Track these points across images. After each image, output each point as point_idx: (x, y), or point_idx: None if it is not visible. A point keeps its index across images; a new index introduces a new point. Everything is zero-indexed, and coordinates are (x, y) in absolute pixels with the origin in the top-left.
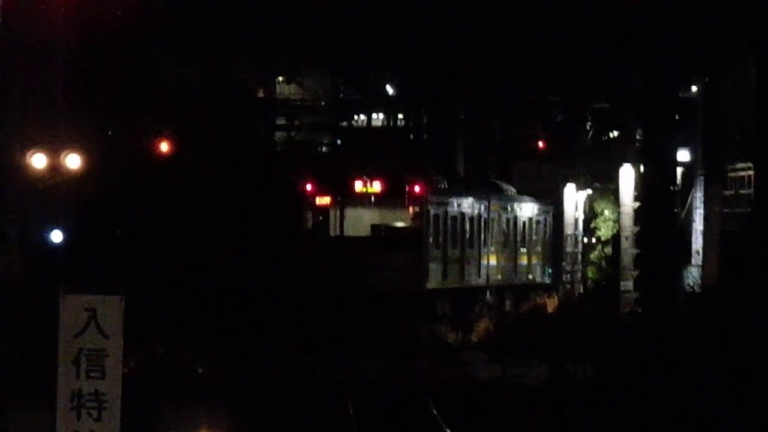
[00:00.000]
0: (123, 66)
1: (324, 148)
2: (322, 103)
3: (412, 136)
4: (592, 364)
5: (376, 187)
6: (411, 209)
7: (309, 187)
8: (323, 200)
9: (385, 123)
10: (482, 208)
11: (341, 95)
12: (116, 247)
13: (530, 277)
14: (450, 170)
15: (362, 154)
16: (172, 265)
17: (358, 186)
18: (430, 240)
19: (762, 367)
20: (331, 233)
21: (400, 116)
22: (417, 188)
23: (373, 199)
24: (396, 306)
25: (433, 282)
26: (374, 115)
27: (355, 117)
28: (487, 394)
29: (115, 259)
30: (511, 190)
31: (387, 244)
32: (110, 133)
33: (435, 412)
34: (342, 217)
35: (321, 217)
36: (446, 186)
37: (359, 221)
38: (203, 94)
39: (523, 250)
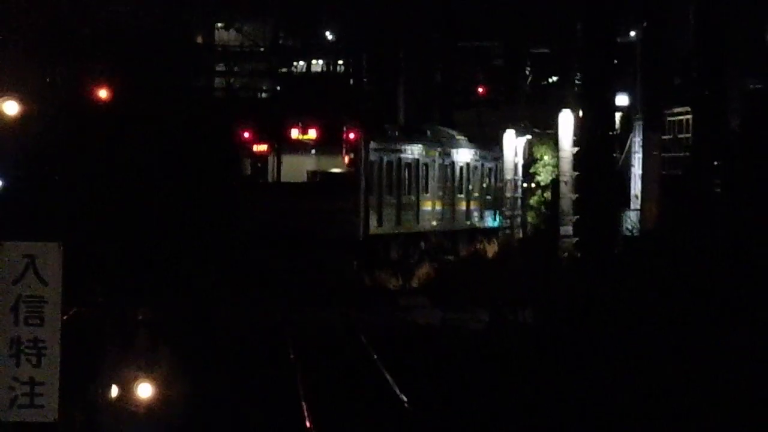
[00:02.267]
0: (61, 10)
1: (263, 95)
2: (262, 49)
3: (352, 82)
4: (531, 309)
5: (312, 134)
6: (347, 156)
7: (246, 134)
8: (261, 147)
9: (325, 69)
10: (420, 152)
11: (281, 41)
12: (55, 193)
13: (470, 222)
14: (391, 117)
15: (301, 101)
16: (111, 211)
17: (294, 133)
18: (365, 186)
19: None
20: (270, 180)
21: (341, 62)
22: (352, 135)
23: (312, 146)
24: (333, 252)
25: (371, 228)
26: (314, 62)
27: (295, 63)
28: (427, 340)
29: (54, 206)
30: (452, 134)
31: (322, 190)
32: (48, 79)
33: (375, 356)
34: (279, 163)
35: (260, 164)
36: (384, 131)
37: (297, 168)
38: (142, 39)
39: (461, 195)
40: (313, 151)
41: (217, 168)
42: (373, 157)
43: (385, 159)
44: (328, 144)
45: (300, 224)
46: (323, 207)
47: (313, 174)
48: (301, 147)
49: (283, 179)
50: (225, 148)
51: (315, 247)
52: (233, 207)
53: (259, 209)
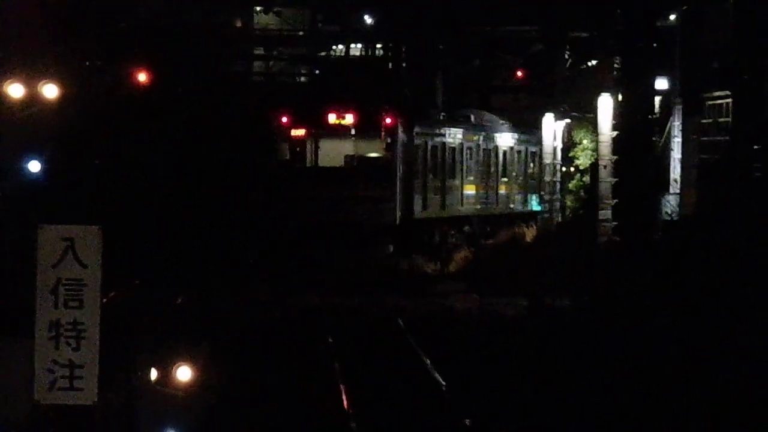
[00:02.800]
0: None
1: (302, 79)
2: (300, 33)
3: (390, 67)
4: (570, 294)
5: (350, 119)
6: (384, 140)
7: (284, 119)
8: (298, 132)
9: (364, 54)
10: (458, 137)
11: (319, 25)
12: (95, 177)
13: (510, 206)
14: (430, 101)
15: (339, 86)
16: (151, 196)
17: (332, 118)
18: (403, 171)
19: (736, 294)
20: (308, 164)
21: (379, 47)
22: (389, 119)
23: (350, 130)
24: (369, 237)
25: (415, 212)
26: (352, 46)
27: (334, 48)
28: (464, 326)
29: (94, 190)
30: (492, 119)
31: (358, 175)
32: (88, 63)
33: (412, 342)
34: (317, 148)
35: (299, 149)
36: (426, 115)
37: (335, 153)
38: (181, 24)
39: (501, 179)
40: (352, 136)
41: (255, 153)
42: (416, 140)
43: (429, 143)
44: (366, 129)
45: (336, 209)
46: (359, 192)
47: (350, 159)
48: (339, 131)
49: (321, 164)
50: (263, 132)
51: (351, 231)
52: (270, 192)
53: (295, 194)
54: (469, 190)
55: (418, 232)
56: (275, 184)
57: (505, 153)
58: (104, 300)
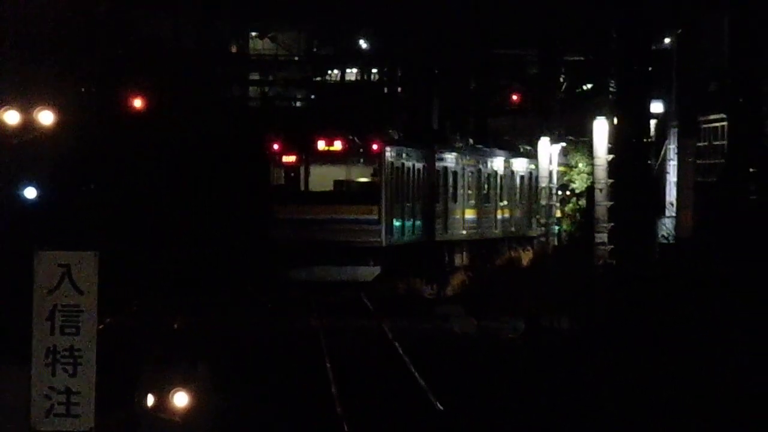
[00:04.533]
0: (96, 22)
1: (298, 104)
2: (296, 58)
3: (386, 91)
4: (567, 317)
5: (338, 145)
6: (371, 166)
7: (276, 146)
8: (289, 158)
9: (359, 78)
10: (453, 160)
11: (315, 50)
12: (91, 203)
13: (505, 230)
14: (425, 125)
15: (333, 112)
16: (146, 220)
17: (321, 145)
18: (390, 195)
19: (733, 315)
20: (300, 189)
21: (375, 71)
22: (375, 146)
23: (340, 156)
24: (357, 260)
25: (395, 237)
26: (348, 70)
27: (329, 72)
28: (462, 348)
29: (89, 216)
30: (486, 142)
31: (348, 199)
32: (84, 89)
33: (409, 363)
34: (307, 173)
35: (293, 174)
36: (411, 140)
37: (326, 178)
38: (177, 50)
39: (495, 203)
40: (343, 162)
41: (248, 178)
42: (398, 164)
43: (415, 167)
44: (355, 155)
45: (325, 232)
46: (349, 215)
47: (338, 183)
48: (328, 157)
49: (313, 188)
50: (256, 158)
51: (340, 254)
52: (263, 216)
53: (287, 217)
54: (467, 214)
55: (408, 256)
56: (268, 208)
57: (497, 177)
58: (101, 326)
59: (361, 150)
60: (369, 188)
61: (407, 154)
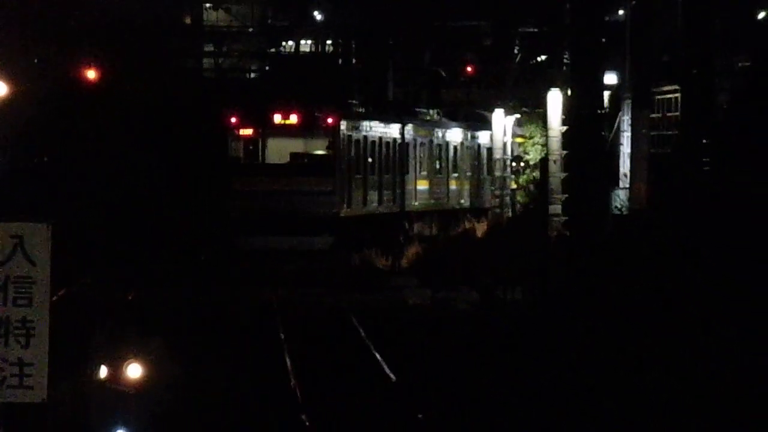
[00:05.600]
0: None
1: (252, 75)
2: (250, 29)
3: (340, 62)
4: (521, 288)
5: (293, 119)
6: (326, 138)
7: (233, 119)
8: (246, 131)
9: (314, 49)
10: (407, 132)
11: (269, 21)
12: (44, 174)
13: (460, 201)
14: (379, 97)
15: (288, 83)
16: (100, 192)
17: (277, 118)
18: (346, 167)
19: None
20: (257, 161)
21: (329, 42)
22: (330, 119)
23: (297, 129)
24: (314, 228)
25: (352, 208)
26: (303, 42)
27: (284, 43)
28: (416, 319)
29: (42, 187)
30: (440, 116)
31: (304, 171)
32: (36, 60)
33: (363, 334)
34: (264, 146)
35: (251, 147)
36: (369, 112)
37: (284, 150)
38: (130, 22)
39: (451, 175)
40: (299, 134)
41: (205, 150)
42: (353, 136)
43: (368, 138)
44: (311, 127)
45: (282, 204)
46: (303, 187)
47: (294, 156)
48: (285, 130)
49: (270, 161)
50: (213, 131)
51: (295, 223)
52: (220, 189)
53: (243, 189)
54: (420, 185)
55: (363, 227)
56: (225, 180)
57: (452, 148)
58: (54, 297)
59: (317, 123)
60: (324, 160)
61: (363, 127)
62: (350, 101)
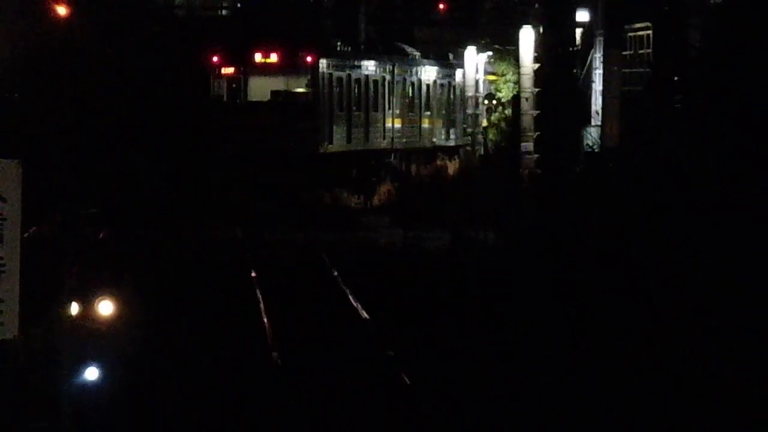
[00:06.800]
0: None
1: (224, 12)
2: None
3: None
4: (492, 228)
5: (274, 58)
6: (306, 77)
7: (215, 59)
8: (228, 70)
9: None
10: (381, 71)
11: None
12: (15, 112)
13: (433, 140)
14: (352, 35)
15: (263, 21)
16: (73, 132)
17: (258, 57)
18: (324, 104)
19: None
20: (238, 100)
21: None
22: (309, 58)
23: (277, 68)
24: (294, 168)
25: (330, 145)
26: None
27: None
28: (388, 259)
29: (14, 125)
30: (414, 53)
31: (284, 108)
32: None
33: (336, 274)
34: (246, 85)
35: (234, 85)
36: (344, 50)
37: (265, 89)
38: None
39: (423, 113)
40: (279, 73)
41: (185, 88)
42: (331, 74)
43: (346, 76)
44: (291, 66)
45: (262, 138)
46: (284, 124)
47: (275, 94)
48: (267, 69)
49: (252, 99)
50: (194, 69)
51: (276, 159)
52: (202, 126)
53: (226, 125)
54: (392, 123)
55: (336, 166)
56: (209, 118)
57: (424, 86)
58: (25, 235)
59: (298, 62)
60: (304, 98)
61: (341, 66)
62: (330, 40)
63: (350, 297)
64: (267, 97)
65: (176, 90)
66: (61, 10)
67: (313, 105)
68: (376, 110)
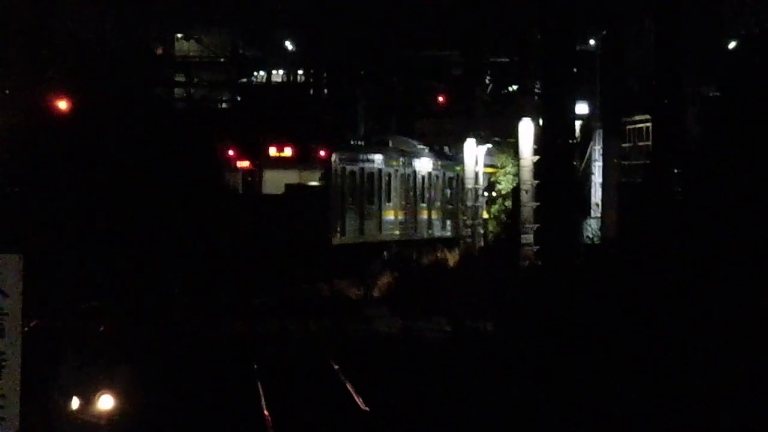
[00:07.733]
0: (20, 21)
1: (224, 105)
2: (222, 59)
3: (312, 92)
4: (492, 318)
5: (288, 152)
6: (319, 170)
7: (231, 152)
8: (243, 164)
9: (285, 79)
10: (390, 163)
11: (240, 51)
12: (15, 205)
13: (431, 231)
14: (351, 126)
15: (271, 115)
16: (74, 224)
17: (273, 152)
18: (332, 197)
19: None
20: (253, 192)
21: (300, 72)
22: (322, 152)
23: (291, 162)
24: (301, 259)
25: (334, 238)
26: (274, 72)
27: (255, 74)
28: (388, 348)
29: (15, 218)
30: (418, 145)
31: (296, 201)
32: (6, 91)
33: (336, 366)
34: (260, 178)
35: (250, 178)
36: (357, 144)
37: (281, 181)
38: (103, 51)
39: (422, 204)
40: (293, 166)
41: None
42: (341, 168)
43: (352, 170)
44: (304, 160)
45: (275, 230)
46: (298, 217)
47: (290, 187)
48: (281, 162)
49: (268, 192)
50: (207, 162)
51: (289, 250)
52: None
53: (241, 219)
54: (393, 215)
55: (338, 257)
56: (223, 210)
57: (423, 178)
58: (26, 329)
59: (311, 155)
60: (316, 191)
61: (352, 159)
62: (341, 133)
63: (349, 387)
64: (281, 189)
65: (186, 183)
66: (63, 104)
67: (325, 197)
68: (374, 202)
